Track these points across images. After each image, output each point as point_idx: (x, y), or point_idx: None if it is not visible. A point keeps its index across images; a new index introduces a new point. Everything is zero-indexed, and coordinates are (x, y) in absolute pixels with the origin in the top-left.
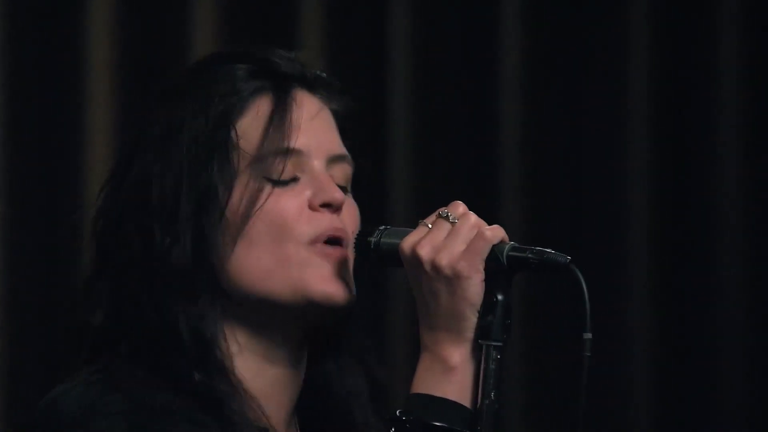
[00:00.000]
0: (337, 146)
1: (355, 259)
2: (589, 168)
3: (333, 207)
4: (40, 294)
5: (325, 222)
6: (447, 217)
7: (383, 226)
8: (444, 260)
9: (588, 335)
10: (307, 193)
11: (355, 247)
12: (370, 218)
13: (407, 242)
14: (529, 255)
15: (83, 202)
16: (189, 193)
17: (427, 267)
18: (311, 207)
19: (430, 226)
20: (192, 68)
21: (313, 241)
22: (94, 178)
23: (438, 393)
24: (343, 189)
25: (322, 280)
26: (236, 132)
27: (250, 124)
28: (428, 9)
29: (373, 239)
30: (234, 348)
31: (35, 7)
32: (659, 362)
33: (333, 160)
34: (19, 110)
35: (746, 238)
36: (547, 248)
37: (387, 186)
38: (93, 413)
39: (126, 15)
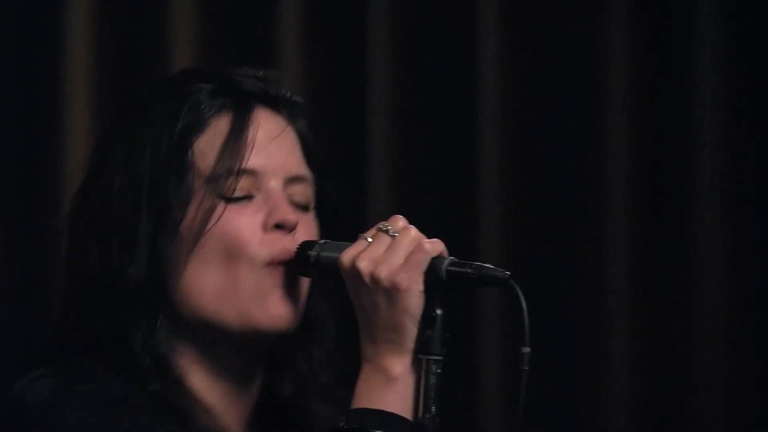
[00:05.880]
0: (296, 166)
1: (312, 280)
2: (567, 177)
3: (286, 228)
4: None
5: (280, 245)
6: (387, 231)
7: (323, 240)
8: (383, 273)
9: (527, 349)
10: (261, 214)
11: (295, 262)
12: (347, 234)
13: (347, 255)
14: (468, 270)
15: (60, 209)
16: (148, 212)
17: (367, 279)
18: (264, 228)
19: (370, 239)
20: (158, 86)
21: (268, 264)
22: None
23: (380, 404)
24: (304, 208)
25: (270, 308)
26: (193, 151)
27: (208, 143)
28: (407, 21)
29: (312, 253)
30: (186, 363)
31: (13, 9)
32: (638, 368)
33: (291, 180)
34: None
35: (725, 244)
36: (486, 263)
37: (365, 200)
38: (68, 402)
39: (104, 24)
